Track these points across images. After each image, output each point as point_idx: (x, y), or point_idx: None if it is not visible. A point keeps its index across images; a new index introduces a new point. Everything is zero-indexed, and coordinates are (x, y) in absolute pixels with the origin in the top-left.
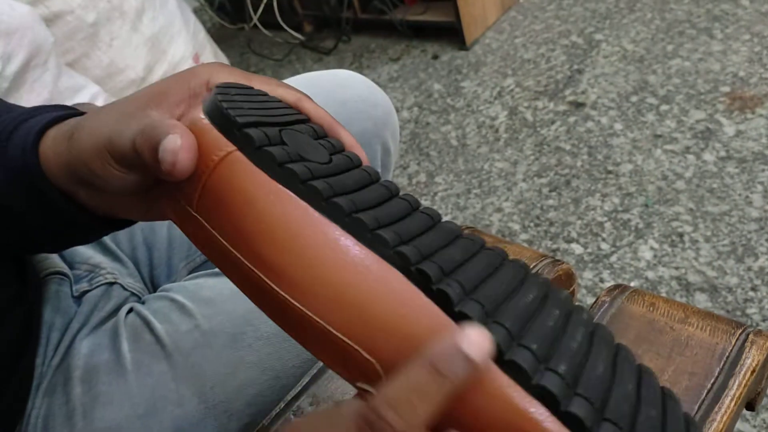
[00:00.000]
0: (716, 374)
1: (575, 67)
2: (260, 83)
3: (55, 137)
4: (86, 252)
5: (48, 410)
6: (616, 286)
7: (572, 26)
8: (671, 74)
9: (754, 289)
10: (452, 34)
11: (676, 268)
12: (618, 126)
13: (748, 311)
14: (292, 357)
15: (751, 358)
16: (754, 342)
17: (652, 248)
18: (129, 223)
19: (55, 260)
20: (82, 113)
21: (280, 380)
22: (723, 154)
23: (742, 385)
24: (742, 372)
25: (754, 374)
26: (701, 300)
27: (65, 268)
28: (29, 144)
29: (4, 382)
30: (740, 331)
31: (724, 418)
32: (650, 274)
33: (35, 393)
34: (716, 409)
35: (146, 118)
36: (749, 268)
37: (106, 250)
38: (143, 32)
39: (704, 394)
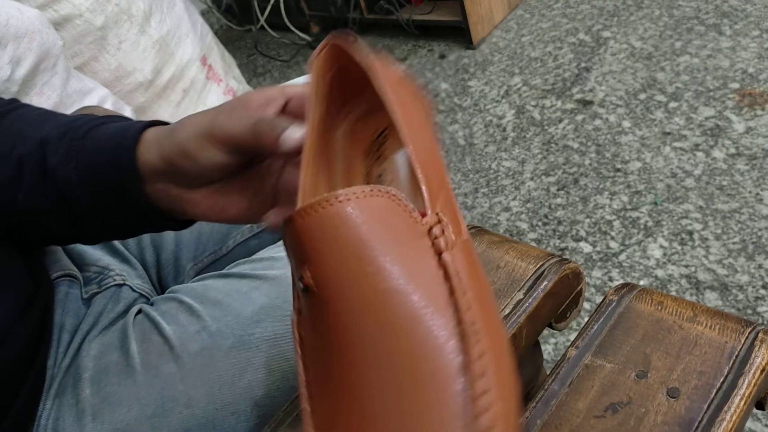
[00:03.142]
0: (726, 373)
1: (583, 65)
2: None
3: (156, 133)
4: (95, 254)
5: (58, 412)
6: (624, 285)
7: (579, 24)
8: (680, 71)
9: (765, 287)
10: (459, 34)
11: (686, 267)
12: (626, 124)
13: (759, 309)
14: None
15: (761, 357)
16: (764, 340)
17: (661, 246)
18: (189, 223)
19: (65, 262)
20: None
21: (288, 381)
22: (733, 151)
23: (752, 384)
24: (752, 371)
25: (764, 373)
26: (711, 298)
27: (75, 271)
28: (128, 142)
29: (17, 384)
30: (750, 329)
31: (734, 418)
32: (660, 273)
33: (46, 395)
34: (726, 408)
35: (257, 112)
36: (760, 266)
37: (115, 252)
38: (151, 35)
39: (713, 393)
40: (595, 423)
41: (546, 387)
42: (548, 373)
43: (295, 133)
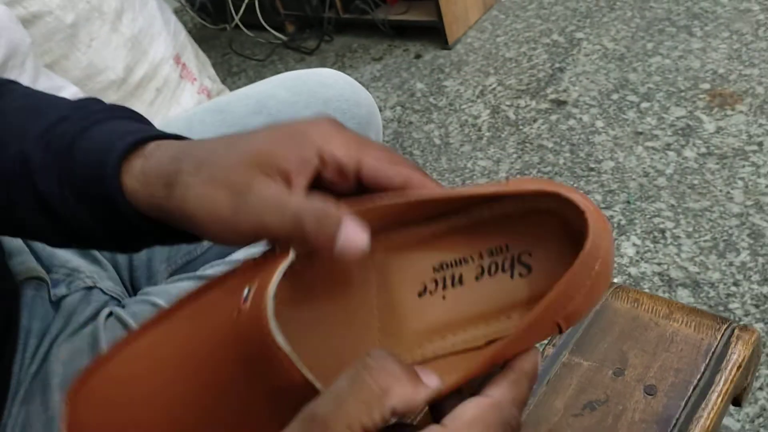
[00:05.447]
0: (702, 370)
1: (557, 65)
2: (374, 158)
3: (144, 173)
4: (64, 255)
5: (26, 419)
6: None
7: (553, 25)
8: (652, 72)
9: (736, 284)
10: (434, 34)
11: (659, 264)
12: (599, 123)
13: (731, 306)
14: None
15: (737, 354)
16: (739, 337)
17: (634, 244)
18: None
19: (32, 265)
20: (155, 133)
21: None
22: (703, 150)
23: (729, 381)
24: (728, 368)
25: (740, 369)
26: (684, 295)
27: (43, 273)
28: (110, 171)
29: None
30: (725, 326)
31: (711, 415)
32: (633, 270)
33: (12, 401)
34: (703, 405)
35: (295, 200)
36: (731, 263)
37: (85, 253)
38: (123, 33)
39: (690, 390)
40: (573, 421)
41: None
42: None
43: (356, 236)
